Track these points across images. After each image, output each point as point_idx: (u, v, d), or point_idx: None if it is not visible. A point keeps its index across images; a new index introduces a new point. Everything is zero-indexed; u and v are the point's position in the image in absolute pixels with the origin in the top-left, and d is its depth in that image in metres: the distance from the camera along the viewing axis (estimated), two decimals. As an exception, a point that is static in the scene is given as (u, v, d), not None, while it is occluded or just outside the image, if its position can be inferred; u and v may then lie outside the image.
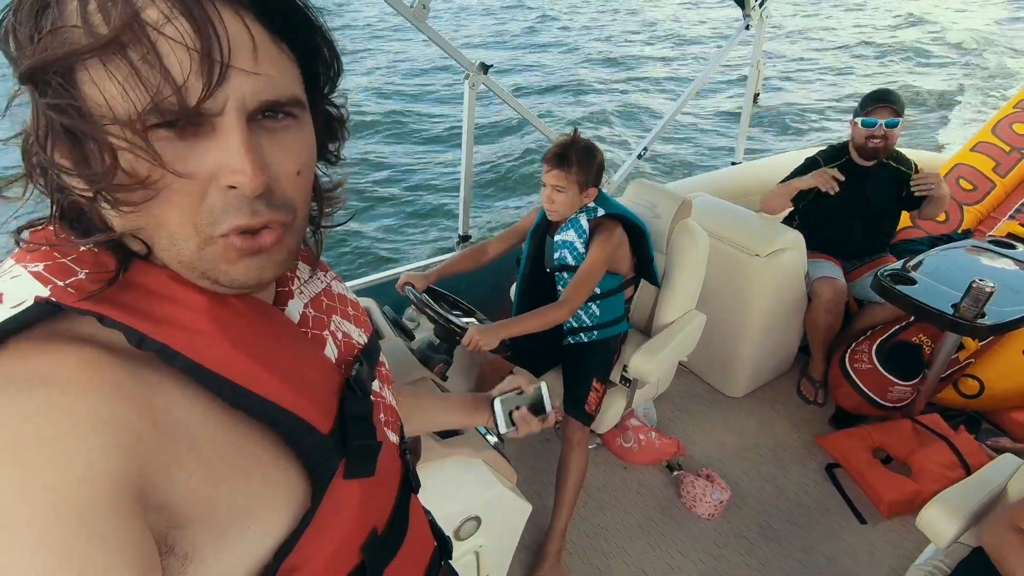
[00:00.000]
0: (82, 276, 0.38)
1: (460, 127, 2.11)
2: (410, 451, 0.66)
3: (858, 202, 2.30)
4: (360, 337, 0.59)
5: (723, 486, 1.98)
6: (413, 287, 1.63)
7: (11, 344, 0.35)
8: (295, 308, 0.52)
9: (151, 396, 0.37)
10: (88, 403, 0.34)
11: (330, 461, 0.46)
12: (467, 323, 1.55)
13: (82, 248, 0.40)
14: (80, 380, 0.34)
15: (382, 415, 0.58)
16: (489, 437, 1.40)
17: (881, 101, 2.16)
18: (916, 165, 2.26)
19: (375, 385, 0.58)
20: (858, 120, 2.21)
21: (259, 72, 0.38)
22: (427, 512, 0.72)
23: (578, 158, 1.55)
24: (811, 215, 2.37)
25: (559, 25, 14.81)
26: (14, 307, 0.36)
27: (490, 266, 1.87)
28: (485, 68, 1.98)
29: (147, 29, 0.34)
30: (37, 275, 0.38)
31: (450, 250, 2.33)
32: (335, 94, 0.48)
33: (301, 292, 0.54)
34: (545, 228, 1.76)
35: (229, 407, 0.41)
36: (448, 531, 1.03)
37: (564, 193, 1.58)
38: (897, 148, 2.27)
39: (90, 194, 0.37)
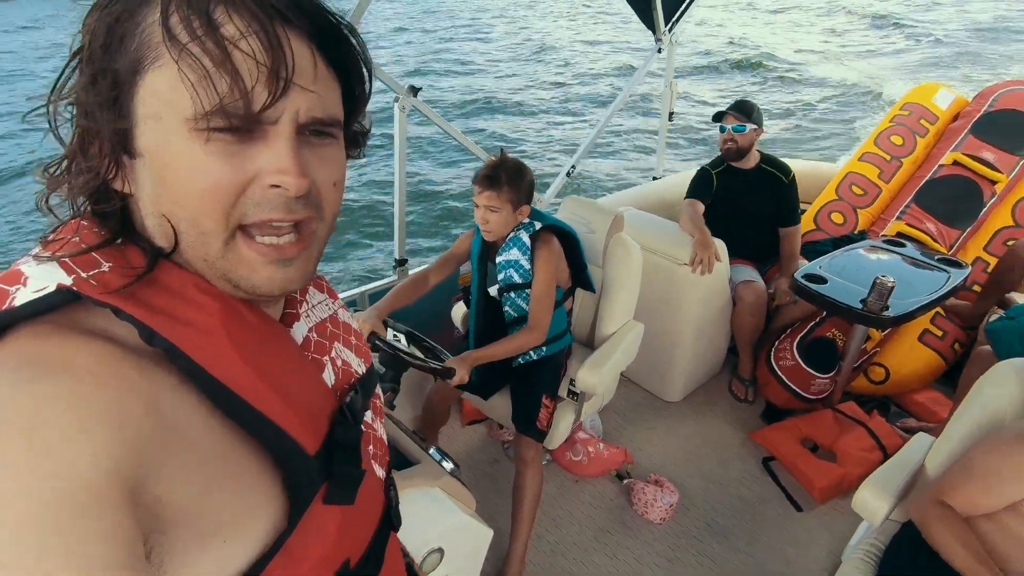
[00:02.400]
0: (105, 269, 0.40)
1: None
2: (394, 488, 0.64)
3: (740, 200, 2.50)
4: (359, 367, 0.60)
5: (671, 489, 2.03)
6: (379, 335, 1.55)
7: (30, 327, 0.37)
8: (299, 331, 0.53)
9: (157, 395, 0.38)
10: (100, 395, 0.35)
11: (312, 483, 0.47)
12: (446, 361, 1.55)
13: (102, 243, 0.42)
14: (94, 372, 0.36)
15: (371, 447, 0.59)
16: (445, 463, 1.36)
17: (730, 110, 2.41)
18: (790, 170, 2.50)
19: (367, 416, 0.59)
20: (719, 127, 2.45)
21: (315, 91, 0.42)
22: (405, 555, 0.71)
23: (508, 177, 1.57)
24: (709, 220, 2.52)
25: (481, 46, 15.11)
26: (36, 291, 0.38)
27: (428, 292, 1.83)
28: (415, 91, 1.97)
29: (224, 42, 0.38)
30: (63, 264, 0.39)
31: (387, 274, 2.28)
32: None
33: (308, 316, 0.55)
34: (487, 253, 1.76)
35: (223, 415, 0.42)
36: (412, 567, 1.00)
37: (498, 213, 1.59)
38: (768, 153, 2.52)
39: (128, 191, 0.42)
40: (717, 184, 2.51)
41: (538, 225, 1.66)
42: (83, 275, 0.39)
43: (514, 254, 1.66)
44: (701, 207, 2.43)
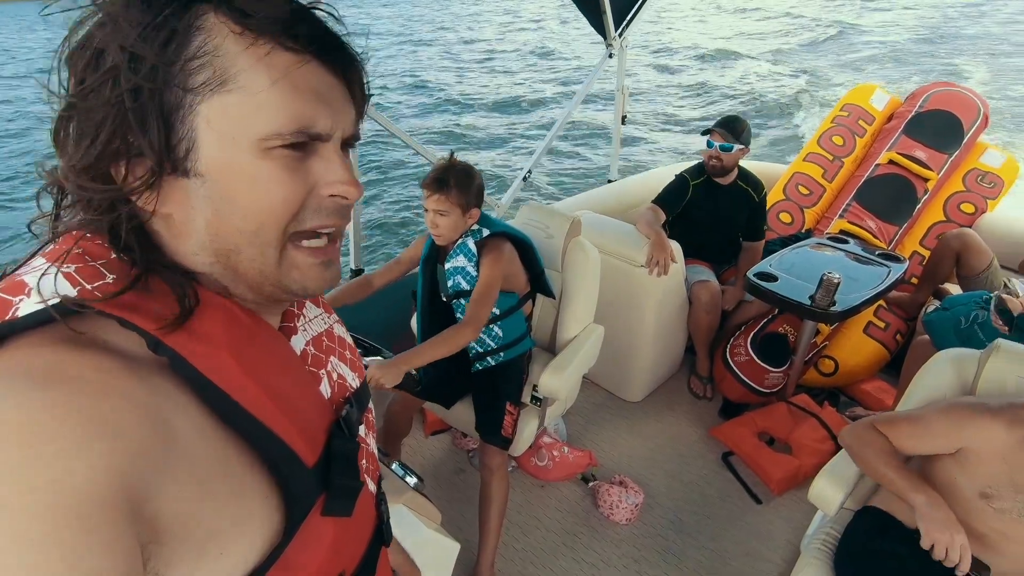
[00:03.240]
0: (110, 280, 0.41)
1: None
2: (386, 502, 0.64)
3: (715, 214, 2.55)
4: (353, 381, 0.60)
5: (636, 489, 2.05)
6: None
7: (32, 337, 0.37)
8: (297, 344, 0.54)
9: (159, 406, 0.38)
10: (100, 406, 0.35)
11: (310, 495, 0.47)
12: (368, 360, 1.48)
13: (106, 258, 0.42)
14: (94, 382, 0.36)
15: (364, 461, 0.59)
16: (408, 479, 1.33)
17: (718, 127, 2.42)
18: (763, 188, 2.56)
19: (361, 430, 0.59)
20: (704, 140, 2.47)
21: (350, 115, 0.47)
22: (393, 572, 0.71)
23: (456, 180, 1.56)
24: (678, 226, 2.59)
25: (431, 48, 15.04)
26: (40, 303, 0.38)
27: (386, 299, 1.80)
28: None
29: (296, 68, 0.42)
30: (68, 276, 0.40)
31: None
32: None
33: (305, 330, 0.56)
34: (436, 257, 1.75)
35: (223, 425, 0.42)
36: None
37: (447, 216, 1.58)
38: (744, 167, 2.55)
39: (163, 211, 0.43)
40: (693, 194, 2.53)
41: (486, 232, 1.65)
42: (88, 286, 0.39)
43: (461, 260, 1.65)
44: (662, 216, 2.45)
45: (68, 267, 0.40)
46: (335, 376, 0.57)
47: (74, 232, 0.43)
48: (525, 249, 1.74)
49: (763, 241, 2.64)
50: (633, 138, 8.96)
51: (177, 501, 0.37)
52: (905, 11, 19.19)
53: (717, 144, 2.40)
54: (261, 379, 0.45)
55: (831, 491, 1.41)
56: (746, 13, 21.33)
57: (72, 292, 0.39)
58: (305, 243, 0.46)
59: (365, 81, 0.50)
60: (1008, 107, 9.38)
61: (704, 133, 2.47)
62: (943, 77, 10.41)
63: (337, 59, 0.45)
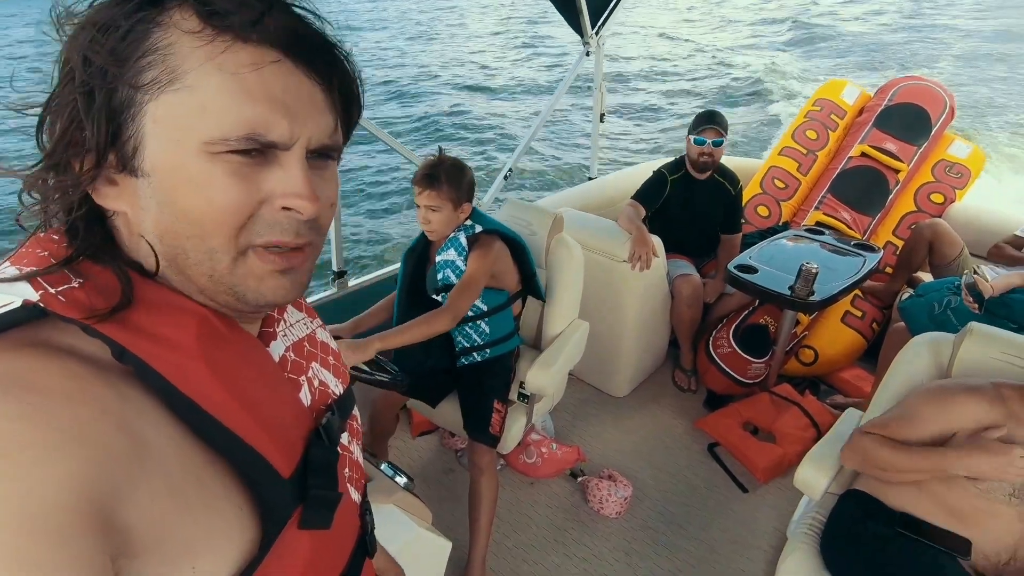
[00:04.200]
0: (75, 285, 0.39)
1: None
2: (371, 512, 0.62)
3: (694, 208, 2.59)
4: (336, 387, 0.59)
5: (624, 483, 2.07)
6: None
7: None
8: (275, 350, 0.52)
9: (128, 413, 0.37)
10: (69, 414, 0.34)
11: (286, 507, 0.45)
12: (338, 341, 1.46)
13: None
14: (63, 390, 0.35)
15: (347, 470, 0.57)
16: (398, 479, 1.33)
17: (709, 122, 2.45)
18: (738, 181, 2.60)
19: (344, 438, 0.57)
20: (691, 137, 2.49)
21: (322, 122, 0.44)
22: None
23: (447, 176, 1.57)
24: (658, 221, 2.62)
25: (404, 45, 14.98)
26: (0, 307, 0.36)
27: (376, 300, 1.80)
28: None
29: (247, 71, 0.39)
30: (30, 279, 0.38)
31: (325, 287, 2.20)
32: None
33: (285, 335, 0.55)
34: (423, 250, 1.75)
35: (194, 435, 0.41)
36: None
37: (439, 212, 1.59)
38: (723, 162, 2.58)
39: (118, 208, 0.42)
40: (671, 189, 2.56)
41: (478, 228, 1.66)
42: (51, 291, 0.38)
43: (451, 255, 1.66)
44: (643, 212, 2.47)
45: (32, 270, 0.39)
46: (316, 383, 0.55)
47: (41, 235, 0.42)
48: (517, 249, 1.75)
49: (740, 234, 2.67)
50: (612, 135, 9.02)
51: (149, 512, 0.36)
52: (878, 2, 19.67)
53: (710, 140, 2.43)
54: (233, 386, 0.43)
55: (815, 476, 1.44)
56: (720, 4, 21.65)
57: (35, 296, 0.37)
58: (266, 249, 0.44)
59: (355, 86, 0.47)
60: (973, 98, 9.66)
61: (695, 128, 2.48)
62: (911, 70, 10.68)
63: (313, 60, 0.42)
